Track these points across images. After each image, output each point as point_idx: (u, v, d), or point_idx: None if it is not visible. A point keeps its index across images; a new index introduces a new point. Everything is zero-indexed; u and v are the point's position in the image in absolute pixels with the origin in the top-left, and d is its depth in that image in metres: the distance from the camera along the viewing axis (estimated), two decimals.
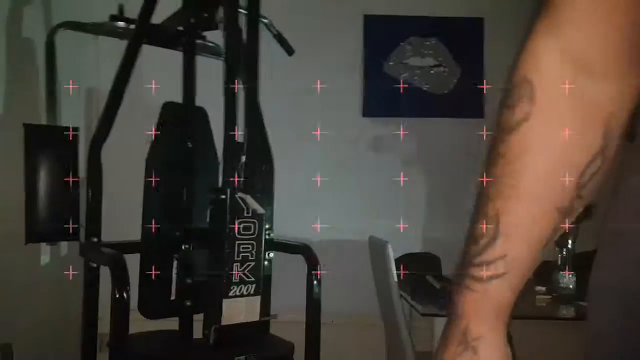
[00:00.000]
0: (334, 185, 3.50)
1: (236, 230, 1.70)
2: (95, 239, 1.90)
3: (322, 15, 3.52)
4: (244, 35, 1.94)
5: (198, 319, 2.17)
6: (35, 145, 2.20)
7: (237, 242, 1.70)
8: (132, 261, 1.85)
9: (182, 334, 2.21)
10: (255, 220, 1.75)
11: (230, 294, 1.69)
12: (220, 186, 1.89)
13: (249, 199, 1.73)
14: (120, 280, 1.65)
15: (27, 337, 2.46)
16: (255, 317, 1.77)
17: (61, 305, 2.89)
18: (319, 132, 3.52)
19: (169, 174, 2.20)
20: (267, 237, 2.06)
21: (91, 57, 2.48)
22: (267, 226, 2.20)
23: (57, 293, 2.88)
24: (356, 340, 3.32)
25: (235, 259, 1.70)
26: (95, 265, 1.90)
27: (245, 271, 1.72)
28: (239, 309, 1.72)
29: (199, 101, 2.22)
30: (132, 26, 2.14)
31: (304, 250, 2.12)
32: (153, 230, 2.17)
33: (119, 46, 2.17)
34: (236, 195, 1.71)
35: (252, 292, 1.74)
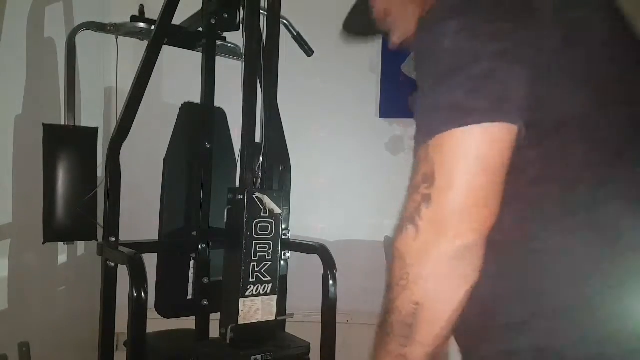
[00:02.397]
0: (350, 185, 3.50)
1: (253, 230, 1.70)
2: (113, 239, 1.91)
3: (341, 16, 3.51)
4: (264, 36, 1.94)
5: (215, 318, 2.18)
6: (55, 145, 2.21)
7: (254, 242, 1.70)
8: (150, 261, 1.86)
9: (198, 333, 2.22)
10: (272, 220, 1.75)
11: (247, 293, 1.70)
12: (237, 186, 1.90)
13: (266, 199, 1.73)
14: (138, 279, 1.66)
15: (44, 336, 2.47)
16: (272, 317, 1.77)
17: (78, 304, 2.91)
18: (335, 133, 3.53)
19: (186, 174, 2.21)
20: (283, 237, 2.06)
21: (111, 57, 2.49)
22: (284, 226, 2.20)
23: (74, 292, 2.90)
24: (371, 340, 3.31)
25: (252, 258, 1.70)
26: (113, 264, 1.91)
27: (262, 271, 1.72)
28: (255, 308, 1.72)
29: (218, 102, 2.23)
30: (153, 27, 2.15)
31: (320, 250, 2.12)
32: (170, 229, 2.18)
33: (139, 47, 2.19)
34: (253, 196, 1.71)
35: (268, 291, 1.74)
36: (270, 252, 1.74)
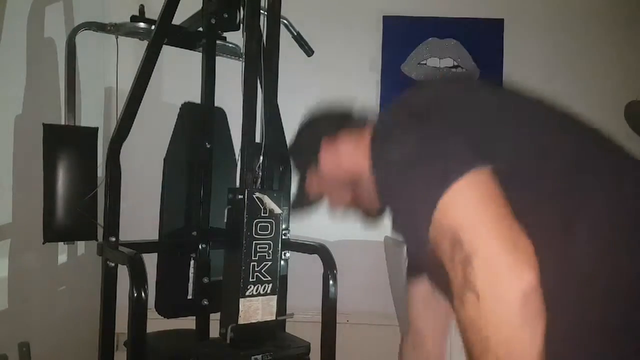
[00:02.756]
0: None
1: (253, 230, 1.70)
2: (113, 239, 1.91)
3: (341, 16, 3.51)
4: (264, 36, 1.94)
5: (215, 318, 2.18)
6: (55, 145, 2.21)
7: (254, 241, 1.70)
8: (150, 261, 1.86)
9: (198, 333, 2.22)
10: (272, 220, 1.75)
11: (247, 293, 1.70)
12: (237, 186, 1.90)
13: (266, 199, 1.72)
14: (138, 279, 1.65)
15: (44, 336, 2.47)
16: (272, 317, 1.77)
17: (78, 304, 2.91)
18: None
19: (186, 174, 2.21)
20: (283, 237, 2.06)
21: (111, 57, 2.49)
22: (284, 226, 2.20)
23: (74, 292, 2.89)
24: (371, 340, 3.31)
25: (252, 258, 1.70)
26: (113, 264, 1.91)
27: (262, 271, 1.72)
28: (255, 308, 1.72)
29: (218, 102, 2.23)
30: (153, 27, 2.15)
31: (320, 250, 2.12)
32: (170, 229, 2.18)
33: (139, 47, 2.19)
34: (253, 195, 1.71)
35: (268, 291, 1.74)
36: (270, 252, 1.74)
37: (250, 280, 1.70)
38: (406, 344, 1.64)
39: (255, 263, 1.71)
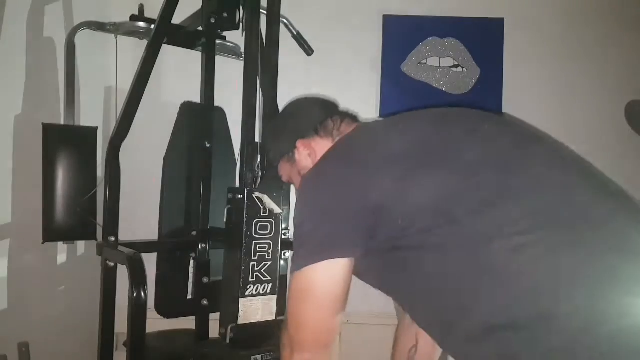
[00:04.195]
0: None
1: (253, 230, 1.70)
2: (112, 238, 1.91)
3: (341, 16, 3.51)
4: (264, 35, 1.93)
5: (215, 318, 2.17)
6: (54, 145, 2.21)
7: (254, 241, 1.70)
8: (149, 260, 1.85)
9: (198, 333, 2.22)
10: (272, 220, 1.75)
11: (247, 293, 1.69)
12: (237, 186, 1.89)
13: (266, 199, 1.72)
14: (137, 279, 1.65)
15: (44, 336, 2.47)
16: (272, 316, 1.77)
17: (78, 304, 2.90)
18: None
19: (186, 173, 2.20)
20: (283, 236, 2.05)
21: (111, 57, 2.48)
22: (283, 226, 2.20)
23: (74, 292, 2.89)
24: (371, 340, 3.30)
25: (252, 258, 1.70)
26: (112, 264, 1.90)
27: (262, 270, 1.72)
28: (255, 308, 1.72)
29: (218, 101, 2.23)
30: (152, 26, 2.15)
31: None
32: (170, 229, 2.18)
33: (139, 46, 2.18)
34: (253, 195, 1.70)
35: (268, 291, 1.74)
36: (270, 251, 1.74)
37: (250, 280, 1.70)
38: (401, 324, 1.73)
39: (255, 263, 1.71)
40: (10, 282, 2.39)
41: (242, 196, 1.69)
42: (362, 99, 3.56)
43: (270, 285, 1.75)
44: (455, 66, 3.52)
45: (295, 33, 2.44)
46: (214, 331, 2.20)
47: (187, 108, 2.21)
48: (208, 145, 2.17)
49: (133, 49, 2.56)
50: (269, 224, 1.74)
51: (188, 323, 2.23)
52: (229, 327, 1.69)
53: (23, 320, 2.45)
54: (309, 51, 2.48)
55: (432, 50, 3.53)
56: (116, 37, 2.35)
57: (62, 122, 2.44)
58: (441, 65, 3.53)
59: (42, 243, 2.19)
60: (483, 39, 3.53)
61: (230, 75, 2.18)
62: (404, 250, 1.11)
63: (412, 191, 1.10)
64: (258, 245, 1.71)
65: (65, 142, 2.25)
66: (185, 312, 2.19)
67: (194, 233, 2.17)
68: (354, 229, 1.16)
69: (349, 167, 1.22)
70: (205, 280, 2.15)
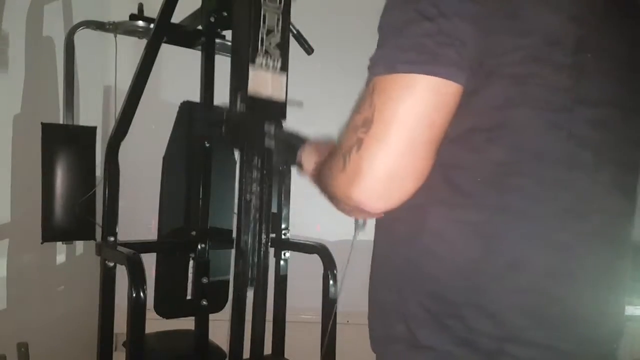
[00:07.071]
0: None
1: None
2: (111, 238, 1.90)
3: (341, 15, 3.50)
4: None
5: (214, 318, 2.17)
6: (53, 144, 2.21)
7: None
8: (149, 260, 1.85)
9: (198, 333, 2.21)
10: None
11: (257, 61, 1.61)
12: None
13: None
14: (137, 279, 1.65)
15: (43, 337, 2.46)
16: (282, 96, 1.69)
17: (77, 304, 2.90)
18: (336, 132, 3.51)
19: (186, 173, 2.20)
20: (283, 236, 2.04)
21: (110, 56, 2.48)
22: (283, 225, 2.19)
23: (73, 292, 2.89)
24: None
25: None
26: (111, 264, 1.90)
27: (271, 47, 1.66)
28: (265, 80, 1.64)
29: (217, 100, 2.22)
30: (152, 25, 2.14)
31: (321, 250, 2.11)
32: (169, 229, 2.17)
33: (138, 45, 2.18)
34: None
35: (278, 67, 1.67)
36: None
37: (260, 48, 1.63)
38: None
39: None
40: (9, 282, 2.39)
41: None
42: None
43: (281, 61, 1.67)
44: None
45: (295, 32, 2.43)
46: (213, 331, 2.20)
47: (186, 107, 2.21)
48: (207, 145, 2.16)
49: (132, 48, 2.55)
50: None
51: (187, 323, 2.22)
52: (239, 95, 1.59)
53: (22, 321, 2.44)
54: (309, 50, 2.47)
55: None
56: (115, 36, 2.34)
57: (61, 122, 2.43)
58: None
59: (41, 243, 2.18)
60: None
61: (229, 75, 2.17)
62: None
63: None
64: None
65: (64, 141, 2.24)
66: (185, 313, 2.19)
67: (194, 233, 2.17)
68: None
69: None
70: (204, 280, 2.14)
